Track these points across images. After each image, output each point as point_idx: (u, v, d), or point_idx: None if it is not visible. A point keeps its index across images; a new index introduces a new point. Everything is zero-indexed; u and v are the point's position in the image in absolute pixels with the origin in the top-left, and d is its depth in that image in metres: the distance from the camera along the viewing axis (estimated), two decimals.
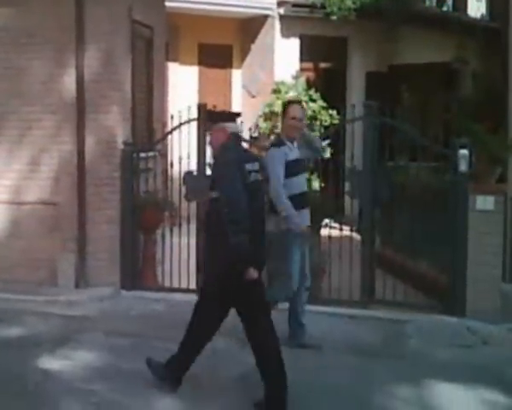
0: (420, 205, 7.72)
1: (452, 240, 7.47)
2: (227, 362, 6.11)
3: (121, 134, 8.31)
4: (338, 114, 10.32)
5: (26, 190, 8.41)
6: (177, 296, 7.99)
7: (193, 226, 8.06)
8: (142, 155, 8.57)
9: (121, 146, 8.25)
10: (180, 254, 8.14)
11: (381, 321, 7.27)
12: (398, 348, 6.61)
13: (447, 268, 7.61)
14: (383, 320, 7.30)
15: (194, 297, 7.84)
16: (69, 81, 8.19)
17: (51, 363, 6.08)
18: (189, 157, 8.11)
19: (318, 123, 11.03)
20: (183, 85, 12.68)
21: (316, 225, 8.06)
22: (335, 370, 6.07)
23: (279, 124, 11.02)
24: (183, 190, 8.16)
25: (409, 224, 7.78)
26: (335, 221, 8.23)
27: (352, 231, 7.88)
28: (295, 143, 6.43)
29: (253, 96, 12.76)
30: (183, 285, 8.09)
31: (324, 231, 8.02)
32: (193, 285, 8.01)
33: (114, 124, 8.29)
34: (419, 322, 7.21)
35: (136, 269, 8.36)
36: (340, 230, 7.92)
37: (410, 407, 5.36)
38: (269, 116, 11.34)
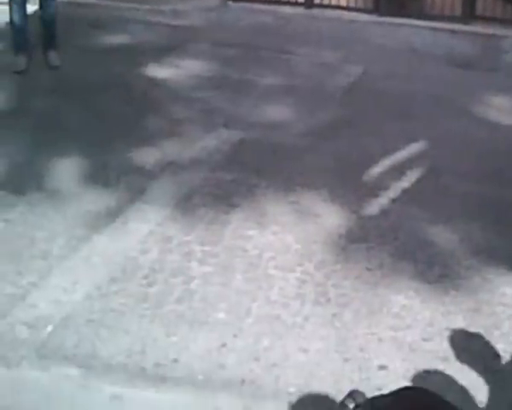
0: None
1: None
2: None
3: None
4: None
5: None
6: (287, 9, 7.66)
7: None
8: None
9: None
10: None
11: (480, 36, 7.23)
12: (495, 62, 6.64)
13: None
14: (482, 35, 7.25)
15: (302, 10, 7.56)
16: None
17: (157, 71, 5.95)
18: None
19: None
20: None
21: None
22: (428, 130, 5.31)
23: None
24: None
25: None
26: None
27: None
28: None
29: None
30: None
31: None
32: None
33: None
34: None
35: None
36: None
37: (505, 115, 5.43)
38: None
